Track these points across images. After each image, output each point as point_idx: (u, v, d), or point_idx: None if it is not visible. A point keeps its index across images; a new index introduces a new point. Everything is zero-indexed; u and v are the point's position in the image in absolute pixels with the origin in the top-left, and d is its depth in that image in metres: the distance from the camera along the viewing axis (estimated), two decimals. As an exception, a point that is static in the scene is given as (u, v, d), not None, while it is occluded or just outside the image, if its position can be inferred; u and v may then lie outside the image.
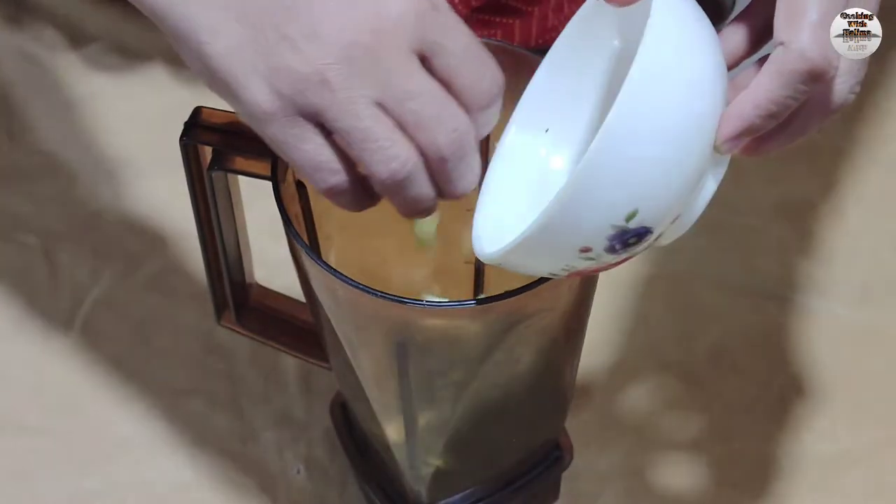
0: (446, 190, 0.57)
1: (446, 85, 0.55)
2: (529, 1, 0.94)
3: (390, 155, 0.54)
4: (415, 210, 0.58)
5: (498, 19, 0.94)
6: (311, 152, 0.55)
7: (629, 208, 0.53)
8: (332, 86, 0.53)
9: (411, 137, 0.55)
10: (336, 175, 0.56)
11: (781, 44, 0.54)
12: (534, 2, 0.94)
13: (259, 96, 0.54)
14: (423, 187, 0.56)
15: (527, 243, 0.55)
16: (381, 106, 0.54)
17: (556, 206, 0.53)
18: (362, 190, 0.57)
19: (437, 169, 0.56)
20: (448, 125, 0.55)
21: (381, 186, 0.56)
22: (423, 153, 0.55)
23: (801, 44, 0.54)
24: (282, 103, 0.54)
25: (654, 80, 0.52)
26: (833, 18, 0.54)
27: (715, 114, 0.55)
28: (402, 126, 0.55)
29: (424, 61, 0.55)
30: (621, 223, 0.54)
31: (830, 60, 0.54)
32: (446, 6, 0.55)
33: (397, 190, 0.56)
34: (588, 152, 0.52)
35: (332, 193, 0.57)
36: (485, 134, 0.57)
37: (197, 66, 0.56)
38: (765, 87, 0.54)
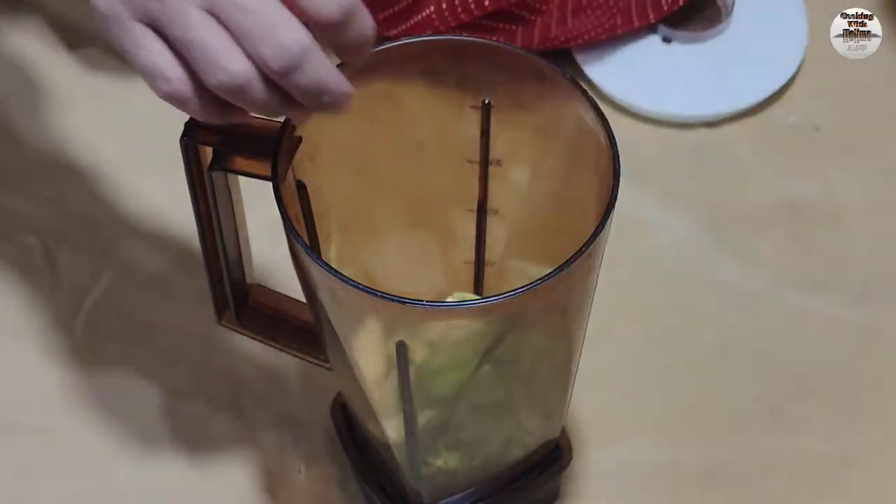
0: (298, 100, 0.58)
1: None
2: (532, 10, 0.94)
3: (219, 65, 0.55)
4: (266, 114, 0.59)
5: (501, 25, 0.94)
6: (146, 57, 0.57)
7: None
8: None
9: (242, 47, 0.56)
10: (171, 83, 0.57)
11: None
12: (536, 11, 0.94)
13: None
14: (260, 95, 0.57)
15: None
16: (214, 15, 0.55)
17: None
18: (209, 100, 0.58)
19: (275, 80, 0.57)
20: (275, 39, 0.55)
21: (218, 93, 0.57)
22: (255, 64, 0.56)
23: None
24: (118, 7, 0.56)
25: None
26: None
27: None
28: (234, 37, 0.56)
29: None
30: None
31: None
32: None
33: (235, 98, 0.57)
34: None
35: (173, 100, 0.58)
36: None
37: None
38: None
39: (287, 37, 0.56)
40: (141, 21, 0.56)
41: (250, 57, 0.56)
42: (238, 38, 0.56)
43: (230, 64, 0.56)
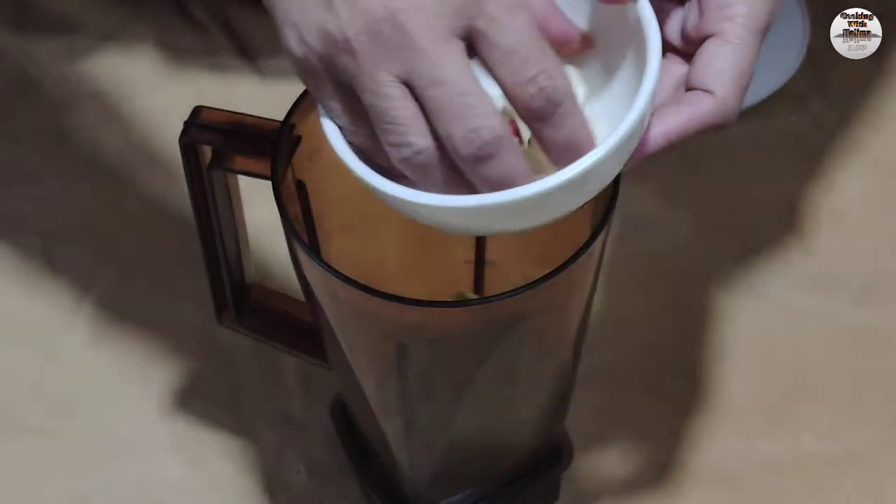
0: (476, 187, 0.54)
1: (490, 73, 0.53)
2: None
3: (403, 140, 0.53)
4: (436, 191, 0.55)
5: None
6: (334, 109, 0.55)
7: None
8: (357, 57, 0.52)
9: (431, 124, 0.53)
10: (356, 136, 0.55)
11: (709, 93, 0.56)
12: None
13: (292, 45, 0.54)
14: (438, 176, 0.54)
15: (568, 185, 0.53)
16: (408, 86, 0.53)
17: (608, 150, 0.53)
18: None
19: (457, 163, 0.54)
20: (469, 123, 0.52)
21: (398, 166, 0.55)
22: (441, 143, 0.53)
23: (731, 107, 0.56)
24: (312, 58, 0.54)
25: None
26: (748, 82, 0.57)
27: None
28: (425, 111, 0.53)
29: (471, 45, 0.53)
30: None
31: (736, 117, 0.57)
32: None
33: (411, 173, 0.54)
34: (632, 117, 0.54)
35: (360, 150, 0.56)
36: (557, 155, 0.55)
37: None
38: (682, 125, 0.56)
39: (482, 122, 0.52)
40: (329, 74, 0.54)
41: (438, 137, 0.53)
42: (427, 113, 0.53)
43: (416, 141, 0.53)
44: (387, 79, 0.52)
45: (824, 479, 0.81)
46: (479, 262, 0.76)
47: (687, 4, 0.58)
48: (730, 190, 0.92)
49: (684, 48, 0.58)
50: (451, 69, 0.52)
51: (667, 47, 0.59)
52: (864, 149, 0.94)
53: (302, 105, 0.64)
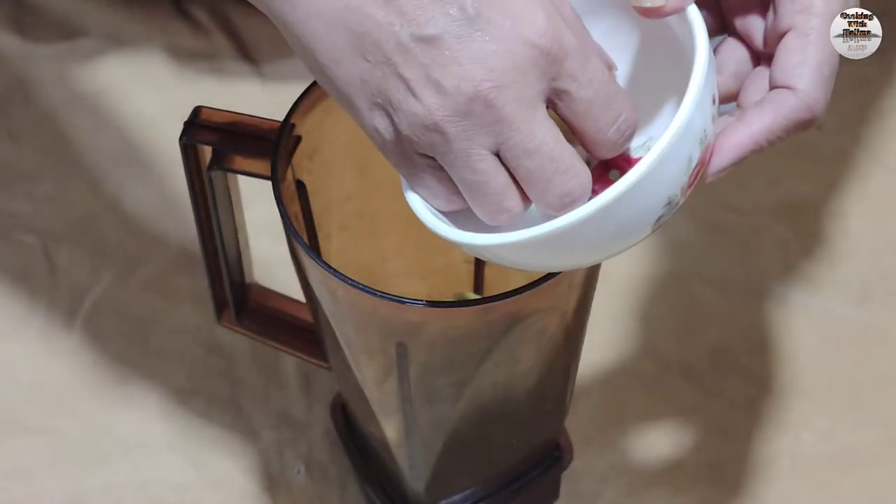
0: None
1: (571, 126, 0.54)
2: None
3: (499, 208, 0.54)
4: None
5: None
6: (426, 181, 0.55)
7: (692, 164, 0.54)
8: (448, 137, 0.52)
9: (523, 189, 0.54)
10: (453, 204, 0.56)
11: (790, 89, 0.55)
12: None
13: (379, 127, 0.54)
14: (528, 223, 0.55)
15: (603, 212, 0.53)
16: (498, 155, 0.53)
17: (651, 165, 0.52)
18: None
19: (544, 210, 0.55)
20: (563, 188, 0.54)
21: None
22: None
23: (815, 98, 0.56)
24: (398, 140, 0.54)
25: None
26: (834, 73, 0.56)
27: None
28: (515, 177, 0.54)
29: (551, 103, 0.54)
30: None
31: (825, 110, 0.56)
32: (578, 46, 0.53)
33: (505, 229, 0.55)
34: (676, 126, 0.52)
35: (453, 217, 0.57)
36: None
37: (319, 79, 0.55)
38: (767, 126, 0.55)
39: (574, 183, 0.54)
40: (417, 153, 0.54)
41: (531, 198, 0.54)
42: (520, 180, 0.54)
43: (511, 206, 0.54)
44: (480, 153, 0.53)
45: (824, 479, 0.81)
46: (479, 262, 0.76)
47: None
48: (730, 190, 0.92)
49: (769, 52, 0.58)
50: (540, 136, 0.53)
51: (758, 56, 0.59)
52: (864, 148, 0.94)
53: (302, 105, 0.64)
